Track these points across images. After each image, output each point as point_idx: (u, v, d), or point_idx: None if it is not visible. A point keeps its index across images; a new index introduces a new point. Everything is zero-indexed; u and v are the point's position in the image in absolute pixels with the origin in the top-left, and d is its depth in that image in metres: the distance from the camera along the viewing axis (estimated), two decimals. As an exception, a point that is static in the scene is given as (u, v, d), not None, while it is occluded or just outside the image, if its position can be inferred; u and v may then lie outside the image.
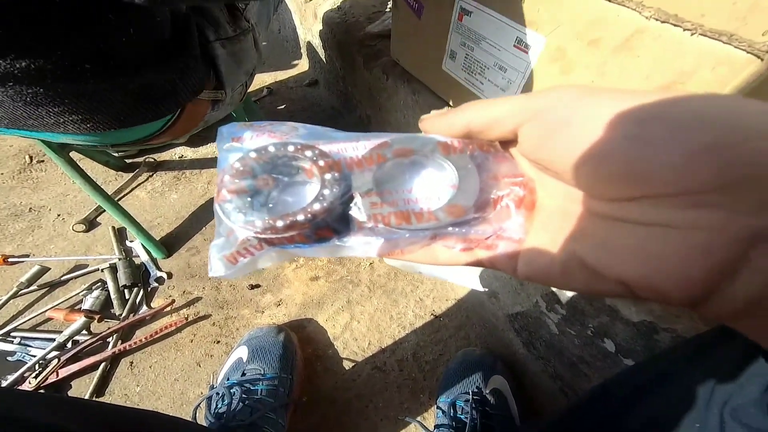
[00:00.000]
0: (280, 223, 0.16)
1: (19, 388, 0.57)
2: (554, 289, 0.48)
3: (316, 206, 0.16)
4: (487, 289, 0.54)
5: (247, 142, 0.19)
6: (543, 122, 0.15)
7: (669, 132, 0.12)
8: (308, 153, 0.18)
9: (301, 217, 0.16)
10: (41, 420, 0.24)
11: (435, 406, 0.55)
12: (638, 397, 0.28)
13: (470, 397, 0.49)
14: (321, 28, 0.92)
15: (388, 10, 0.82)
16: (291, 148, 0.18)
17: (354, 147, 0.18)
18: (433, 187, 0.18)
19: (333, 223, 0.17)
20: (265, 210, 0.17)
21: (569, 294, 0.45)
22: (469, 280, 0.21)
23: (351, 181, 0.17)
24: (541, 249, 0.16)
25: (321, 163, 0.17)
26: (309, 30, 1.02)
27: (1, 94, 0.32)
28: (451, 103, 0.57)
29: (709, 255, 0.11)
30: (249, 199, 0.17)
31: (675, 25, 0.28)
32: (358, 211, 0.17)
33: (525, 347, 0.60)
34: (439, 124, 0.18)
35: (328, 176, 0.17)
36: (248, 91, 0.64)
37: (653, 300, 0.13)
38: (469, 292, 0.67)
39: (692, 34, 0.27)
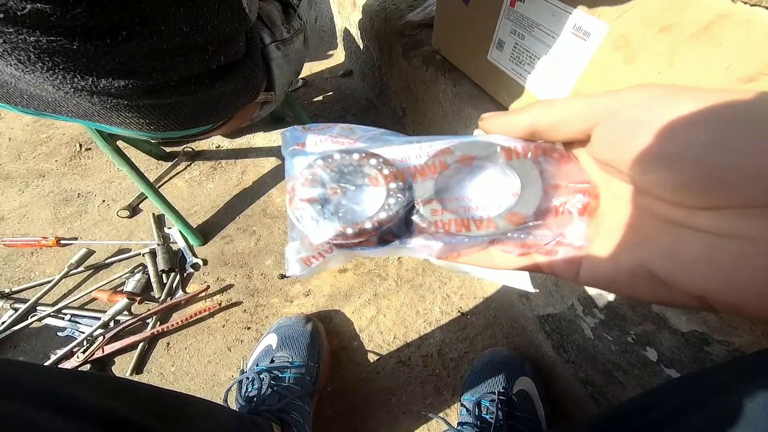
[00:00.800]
0: (350, 231, 0.18)
1: (68, 362, 0.61)
2: (593, 293, 0.46)
3: (383, 215, 0.18)
4: (538, 291, 0.52)
5: (310, 147, 0.20)
6: (619, 123, 0.14)
7: (757, 137, 0.10)
8: (373, 162, 0.19)
9: (368, 226, 0.18)
10: (95, 402, 0.26)
11: (459, 403, 0.54)
12: (686, 411, 0.26)
13: (496, 397, 0.48)
14: (360, 17, 0.91)
15: None
16: (356, 157, 0.19)
17: (417, 155, 0.19)
18: (493, 193, 0.19)
19: (396, 229, 0.18)
20: (335, 218, 0.18)
21: (610, 298, 0.43)
22: (519, 282, 0.20)
23: (414, 190, 0.18)
24: (605, 256, 0.15)
25: (385, 171, 0.18)
26: (347, 19, 1.02)
27: (85, 100, 0.34)
28: (495, 95, 0.55)
29: None
30: (320, 207, 0.18)
31: (767, 9, 0.25)
32: (420, 217, 0.18)
33: (555, 350, 0.58)
34: (502, 124, 0.18)
35: (392, 185, 0.18)
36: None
37: (728, 314, 0.12)
38: (498, 291, 0.66)
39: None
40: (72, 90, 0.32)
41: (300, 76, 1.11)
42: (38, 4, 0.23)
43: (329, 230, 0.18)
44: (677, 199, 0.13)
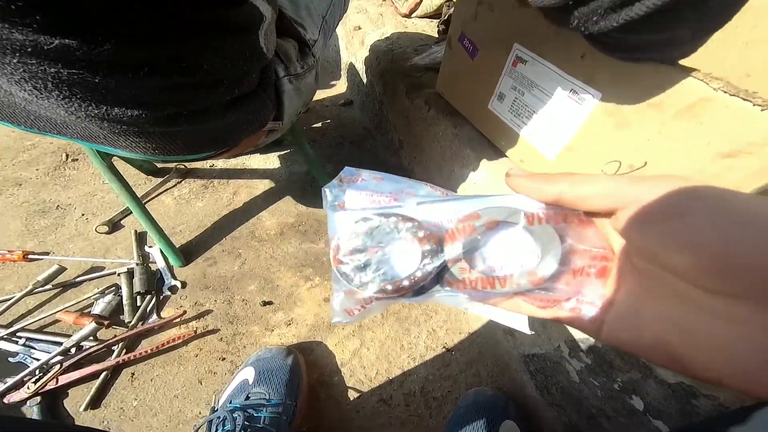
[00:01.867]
0: (389, 287, 0.21)
1: (17, 393, 0.56)
2: (580, 336, 0.46)
3: (418, 274, 0.21)
4: (533, 333, 0.53)
5: (350, 204, 0.23)
6: (643, 211, 0.15)
7: (763, 242, 0.12)
8: (408, 225, 0.21)
9: (406, 283, 0.21)
10: None
11: (443, 448, 0.52)
12: None
13: (481, 443, 0.46)
14: (366, 54, 0.95)
15: (435, 44, 0.84)
16: (393, 220, 0.21)
17: (447, 219, 0.22)
18: (517, 253, 0.21)
19: (429, 285, 0.21)
20: (377, 276, 0.21)
21: (597, 344, 0.43)
22: (518, 323, 0.22)
23: (444, 252, 0.21)
24: (626, 323, 0.17)
25: (420, 234, 0.21)
26: (353, 55, 1.06)
27: (95, 125, 0.33)
28: (494, 141, 0.58)
29: None
30: (362, 265, 0.21)
31: (745, 99, 0.28)
32: (450, 275, 0.21)
33: (538, 391, 0.57)
34: (529, 188, 0.20)
35: (426, 248, 0.21)
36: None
37: (743, 395, 0.13)
38: (484, 326, 0.65)
39: (763, 110, 0.27)
40: (84, 116, 0.31)
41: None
42: (66, 40, 0.22)
43: (372, 287, 0.21)
44: (696, 280, 0.14)
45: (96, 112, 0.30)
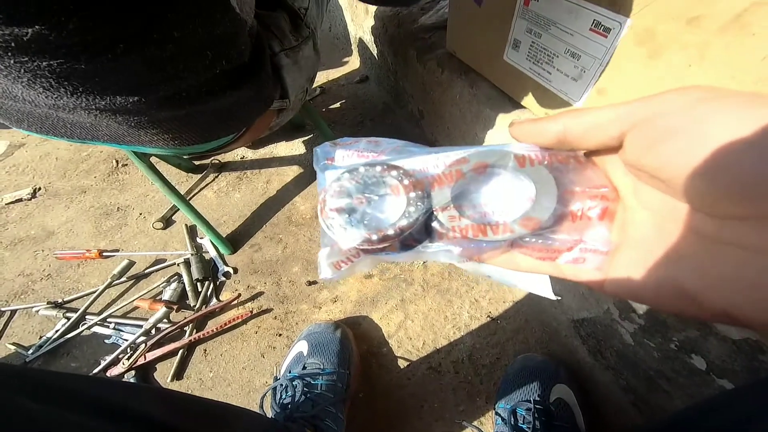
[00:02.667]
0: (374, 237, 0.19)
1: (115, 368, 0.65)
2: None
3: (404, 222, 0.19)
4: (560, 298, 0.51)
5: (339, 161, 0.22)
6: (655, 127, 0.13)
7: None
8: (393, 173, 0.20)
9: (391, 232, 0.19)
10: (144, 410, 0.27)
11: (493, 411, 0.53)
12: (744, 426, 0.25)
13: (532, 405, 0.47)
14: (373, 23, 0.92)
15: None
16: (378, 169, 0.20)
17: (434, 165, 0.20)
18: (510, 199, 0.19)
19: (417, 235, 0.19)
20: (362, 225, 0.20)
21: (650, 303, 0.41)
22: (541, 288, 0.21)
23: (432, 198, 0.19)
24: (633, 267, 0.15)
25: (405, 182, 0.20)
26: (360, 26, 1.03)
27: (112, 120, 0.36)
28: (514, 96, 0.54)
29: None
30: (348, 216, 0.20)
31: None
32: (438, 223, 0.19)
33: (591, 356, 0.56)
34: (531, 131, 0.18)
35: (412, 195, 0.19)
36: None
37: (756, 330, 0.12)
38: (528, 295, 0.64)
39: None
40: (97, 111, 0.34)
41: (317, 85, 1.13)
42: (36, 26, 0.25)
43: (356, 236, 0.19)
44: (717, 207, 0.12)
45: (103, 104, 0.33)
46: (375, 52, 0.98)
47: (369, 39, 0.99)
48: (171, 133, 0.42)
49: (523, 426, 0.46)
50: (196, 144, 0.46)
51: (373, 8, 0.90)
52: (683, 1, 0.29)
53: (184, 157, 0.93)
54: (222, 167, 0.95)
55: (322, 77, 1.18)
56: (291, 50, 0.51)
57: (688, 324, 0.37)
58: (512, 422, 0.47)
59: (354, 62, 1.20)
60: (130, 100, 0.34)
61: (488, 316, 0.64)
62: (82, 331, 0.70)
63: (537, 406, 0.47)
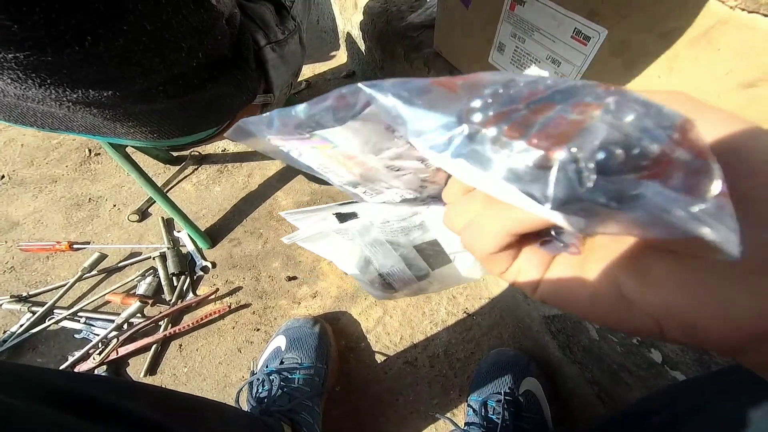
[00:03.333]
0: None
1: (85, 364, 0.63)
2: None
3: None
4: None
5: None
6: None
7: (761, 172, 0.11)
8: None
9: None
10: (117, 404, 0.27)
11: (466, 403, 0.55)
12: (690, 417, 0.27)
13: (502, 397, 0.49)
14: (361, 18, 0.92)
15: None
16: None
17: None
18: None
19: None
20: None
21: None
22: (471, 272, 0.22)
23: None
24: (569, 269, 0.15)
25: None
26: (348, 20, 1.02)
27: (86, 113, 0.35)
28: None
29: None
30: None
31: (765, 16, 0.25)
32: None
33: (561, 350, 0.59)
34: None
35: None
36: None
37: (680, 343, 0.12)
38: (504, 291, 0.66)
39: (787, 26, 0.25)
40: (69, 103, 0.33)
41: (302, 78, 1.11)
42: (0, 18, 0.24)
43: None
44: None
45: (74, 96, 0.32)
46: (363, 47, 0.98)
47: (357, 34, 0.98)
48: (149, 126, 0.41)
49: (493, 417, 0.48)
50: (176, 137, 0.45)
51: (362, 3, 0.90)
52: (657, 15, 0.31)
53: (163, 148, 0.91)
54: (202, 159, 0.93)
55: (308, 71, 1.16)
56: (277, 44, 0.50)
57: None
58: (483, 413, 0.49)
59: (341, 57, 1.19)
60: (104, 94, 0.33)
61: (465, 312, 0.65)
62: (50, 325, 0.68)
63: (507, 398, 0.49)
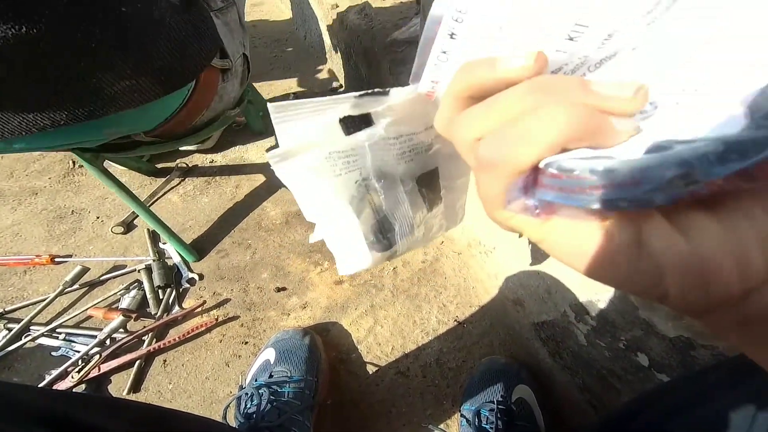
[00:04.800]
0: None
1: (63, 382, 0.60)
2: (583, 300, 0.47)
3: None
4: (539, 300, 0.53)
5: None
6: None
7: None
8: None
9: None
10: (96, 423, 0.26)
11: (459, 413, 0.55)
12: (673, 418, 0.27)
13: (495, 406, 0.49)
14: (347, 34, 0.94)
15: (415, 16, 0.82)
16: None
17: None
18: None
19: None
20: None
21: (600, 305, 0.45)
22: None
23: None
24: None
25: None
26: (335, 36, 1.04)
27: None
28: None
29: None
30: None
31: None
32: None
33: (551, 357, 0.59)
34: None
35: None
36: (270, 96, 0.70)
37: (680, 303, 0.12)
38: (493, 299, 0.67)
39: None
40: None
41: (290, 91, 1.13)
42: None
43: None
44: None
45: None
46: (349, 62, 1.00)
47: (343, 49, 1.00)
48: (130, 81, 0.45)
49: (487, 426, 0.48)
50: (155, 93, 0.47)
51: (348, 20, 0.92)
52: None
53: (143, 160, 0.90)
54: (188, 171, 0.92)
55: (295, 84, 1.18)
56: (219, 11, 0.56)
57: (634, 323, 0.41)
58: (476, 423, 0.48)
59: (328, 71, 1.21)
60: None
61: (455, 320, 0.65)
62: (26, 342, 0.65)
63: (500, 407, 0.49)
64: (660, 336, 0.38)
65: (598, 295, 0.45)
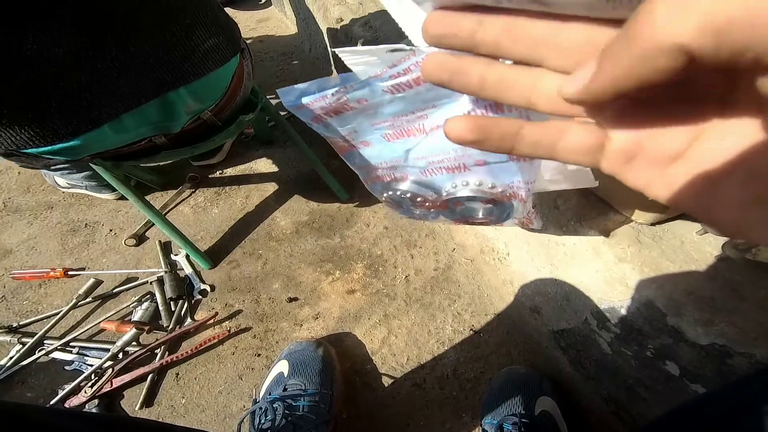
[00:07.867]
0: None
1: (76, 398, 0.60)
2: (604, 306, 0.46)
3: None
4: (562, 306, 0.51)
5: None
6: None
7: None
8: None
9: None
10: None
11: (479, 427, 0.53)
12: None
13: (518, 419, 0.47)
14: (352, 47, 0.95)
15: None
16: None
17: None
18: None
19: None
20: None
21: (623, 311, 0.43)
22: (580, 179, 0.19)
23: None
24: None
25: None
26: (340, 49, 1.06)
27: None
28: None
29: None
30: None
31: None
32: None
33: (572, 366, 0.57)
34: None
35: None
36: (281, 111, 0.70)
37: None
38: (509, 306, 0.65)
39: None
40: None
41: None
42: None
43: None
44: None
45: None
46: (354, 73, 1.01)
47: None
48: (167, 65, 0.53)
49: (510, 440, 0.46)
50: (193, 77, 0.55)
51: (353, 33, 0.93)
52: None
53: (154, 171, 0.91)
54: (199, 183, 0.93)
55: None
56: None
57: (661, 330, 0.39)
58: (498, 437, 0.47)
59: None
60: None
61: (471, 329, 0.64)
62: (39, 357, 0.65)
63: (523, 420, 0.47)
64: (690, 343, 0.36)
65: (621, 301, 0.43)
